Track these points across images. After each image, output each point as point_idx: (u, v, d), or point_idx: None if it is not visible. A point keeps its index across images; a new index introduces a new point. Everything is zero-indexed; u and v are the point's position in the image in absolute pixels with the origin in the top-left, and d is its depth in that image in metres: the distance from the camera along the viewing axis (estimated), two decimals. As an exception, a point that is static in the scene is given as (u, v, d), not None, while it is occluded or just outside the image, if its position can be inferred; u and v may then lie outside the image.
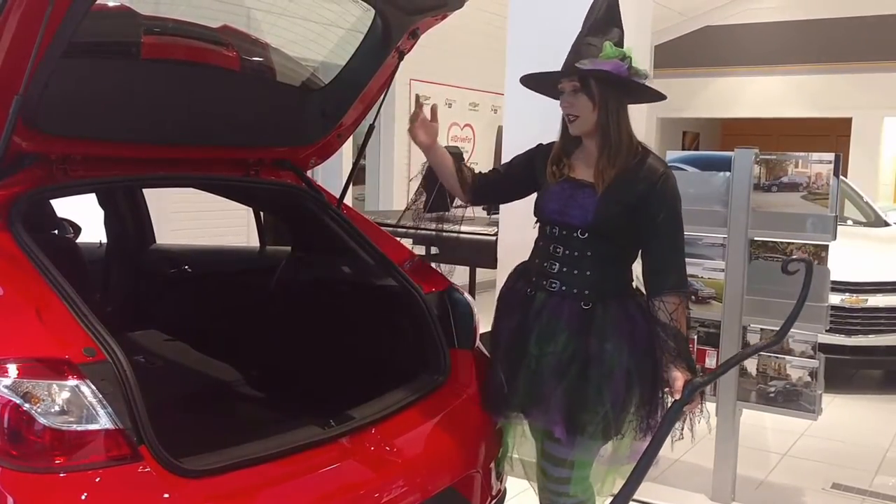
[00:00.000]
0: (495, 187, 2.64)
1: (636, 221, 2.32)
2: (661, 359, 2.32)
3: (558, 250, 2.37)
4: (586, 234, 2.33)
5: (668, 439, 2.37)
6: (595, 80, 2.29)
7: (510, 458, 2.61)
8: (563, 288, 2.35)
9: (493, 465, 2.50)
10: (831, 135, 11.75)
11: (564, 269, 2.35)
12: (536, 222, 2.47)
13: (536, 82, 2.45)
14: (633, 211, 2.31)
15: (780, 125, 12.01)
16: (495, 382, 2.45)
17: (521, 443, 2.58)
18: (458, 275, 4.54)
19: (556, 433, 2.31)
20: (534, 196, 2.50)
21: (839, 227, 3.39)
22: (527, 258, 2.55)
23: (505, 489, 2.64)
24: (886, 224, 6.76)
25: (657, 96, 2.41)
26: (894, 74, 10.06)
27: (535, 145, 2.55)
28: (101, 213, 3.74)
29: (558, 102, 2.42)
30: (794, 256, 2.36)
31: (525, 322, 2.38)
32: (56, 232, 3.24)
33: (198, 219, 5.62)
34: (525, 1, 3.73)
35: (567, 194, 2.36)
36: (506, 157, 3.71)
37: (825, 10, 10.29)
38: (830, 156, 3.33)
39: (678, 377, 2.27)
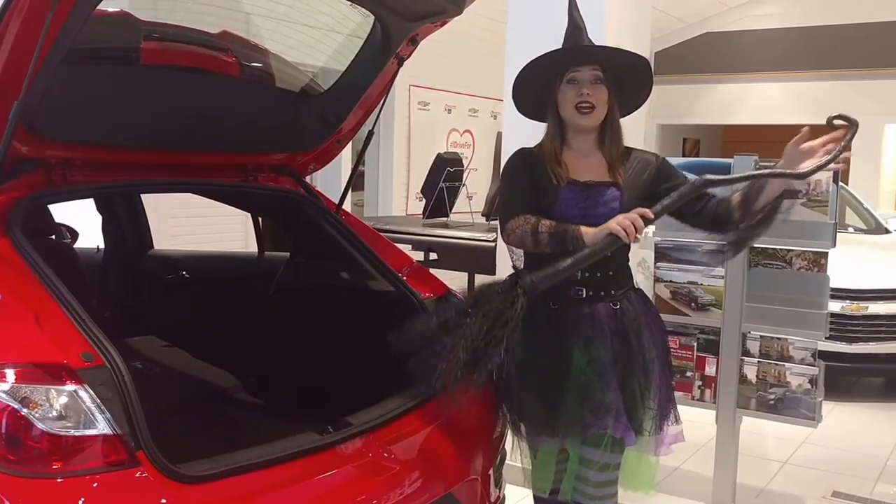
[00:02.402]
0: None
1: (654, 199, 2.29)
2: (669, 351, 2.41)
3: None
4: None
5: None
6: (612, 73, 2.31)
7: (518, 469, 2.60)
8: (591, 293, 2.34)
9: (491, 472, 2.50)
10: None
11: (587, 274, 2.32)
12: None
13: (546, 67, 2.34)
14: (647, 197, 2.32)
15: (780, 132, 11.88)
16: (542, 407, 2.37)
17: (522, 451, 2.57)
18: (457, 281, 4.53)
19: (628, 439, 2.30)
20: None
21: (840, 235, 3.39)
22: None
23: (504, 496, 2.63)
24: (887, 231, 6.75)
25: (634, 108, 2.46)
26: (895, 81, 10.08)
27: (517, 159, 2.45)
28: (98, 218, 3.74)
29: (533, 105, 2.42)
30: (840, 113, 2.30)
31: (560, 336, 2.33)
32: (53, 237, 3.24)
33: (196, 224, 5.62)
34: (524, 7, 3.74)
35: (583, 196, 2.32)
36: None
37: (826, 17, 10.31)
38: (830, 163, 3.32)
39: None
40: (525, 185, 2.39)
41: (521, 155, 2.46)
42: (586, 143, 2.38)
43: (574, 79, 2.31)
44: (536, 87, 2.39)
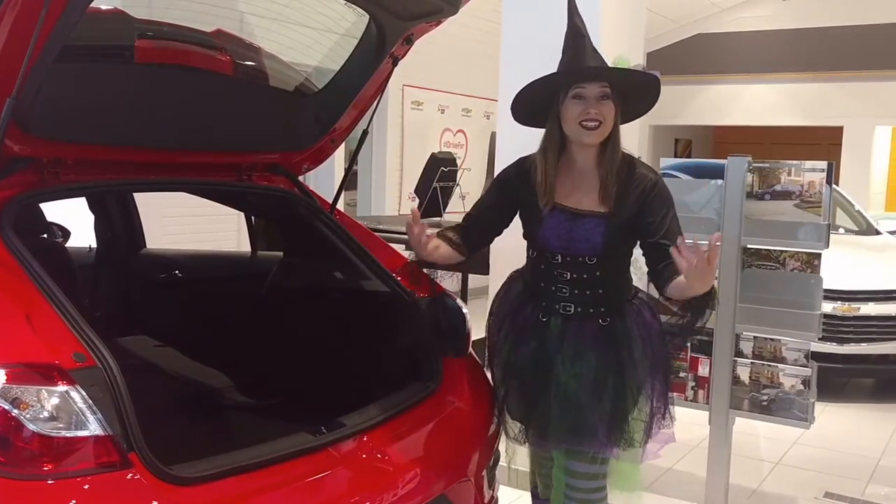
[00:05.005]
0: (483, 236, 2.53)
1: (637, 229, 2.30)
2: (670, 354, 2.38)
3: (565, 275, 2.33)
4: (594, 260, 2.30)
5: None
6: (619, 90, 2.26)
7: (511, 470, 2.60)
8: (579, 309, 2.32)
9: (484, 472, 2.49)
10: (823, 143, 11.80)
11: (576, 292, 2.32)
12: (533, 252, 2.42)
13: (542, 86, 2.29)
14: (634, 224, 2.29)
15: (771, 133, 12.07)
16: (520, 415, 2.42)
17: (516, 451, 2.57)
18: (451, 281, 4.53)
19: (612, 456, 2.30)
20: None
21: (831, 236, 3.39)
22: (518, 264, 2.54)
23: (497, 497, 2.63)
24: (878, 232, 6.79)
25: (635, 117, 2.43)
26: (885, 83, 10.12)
27: (511, 169, 2.47)
28: (90, 216, 3.71)
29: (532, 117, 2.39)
30: None
31: (545, 348, 2.33)
32: (45, 236, 3.22)
33: (189, 223, 5.59)
34: (519, 7, 3.73)
35: (567, 227, 2.29)
36: (499, 163, 3.72)
37: (817, 20, 10.35)
38: (823, 164, 3.34)
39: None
40: (492, 202, 2.47)
41: (517, 167, 2.45)
42: (587, 157, 2.32)
43: (580, 94, 2.25)
44: (536, 99, 2.33)
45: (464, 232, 2.49)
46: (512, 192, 2.43)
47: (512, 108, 2.42)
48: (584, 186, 2.32)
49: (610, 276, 2.34)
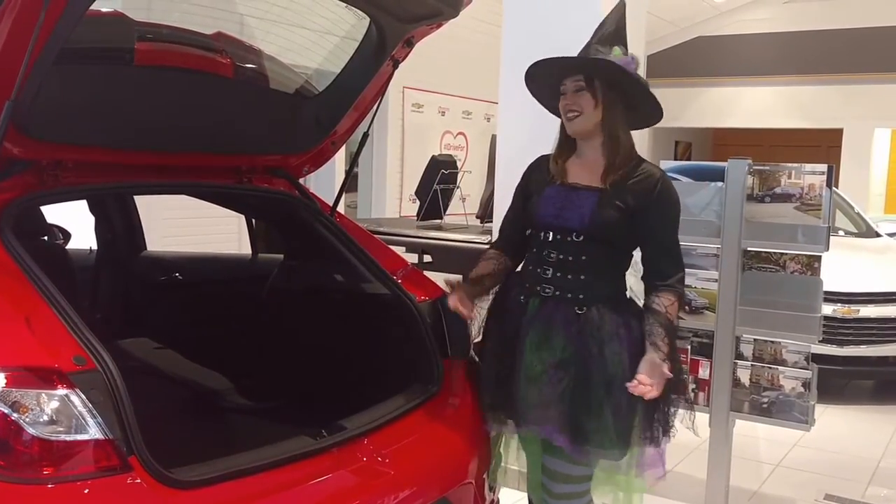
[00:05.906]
0: (522, 237, 2.55)
1: (633, 225, 2.33)
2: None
3: (552, 255, 2.35)
4: (581, 238, 2.32)
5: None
6: (599, 80, 2.32)
7: (504, 469, 2.59)
8: (557, 293, 2.33)
9: (485, 475, 2.49)
10: (822, 145, 11.81)
11: (558, 274, 2.34)
12: (529, 231, 2.47)
13: (542, 78, 2.43)
14: (631, 216, 2.31)
15: (771, 135, 12.07)
16: (488, 391, 2.45)
17: (517, 453, 2.57)
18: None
19: (559, 442, 2.25)
20: None
21: (831, 238, 3.39)
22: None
23: (498, 500, 2.62)
24: (877, 235, 6.79)
25: (656, 110, 2.41)
26: (885, 86, 10.12)
27: (526, 171, 2.57)
28: (91, 219, 3.71)
29: (551, 109, 2.45)
30: None
31: (519, 329, 2.36)
32: (45, 238, 3.22)
33: (189, 226, 5.59)
34: (519, 10, 3.73)
35: (563, 197, 2.37)
36: (499, 166, 3.72)
37: (816, 22, 10.36)
38: (823, 167, 3.33)
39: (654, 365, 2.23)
40: (516, 206, 2.55)
41: (531, 165, 2.56)
42: (593, 150, 2.40)
43: (562, 90, 2.38)
44: (552, 94, 2.45)
45: (505, 239, 2.59)
46: (527, 187, 2.52)
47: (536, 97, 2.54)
48: (588, 167, 2.40)
49: (595, 264, 2.34)
